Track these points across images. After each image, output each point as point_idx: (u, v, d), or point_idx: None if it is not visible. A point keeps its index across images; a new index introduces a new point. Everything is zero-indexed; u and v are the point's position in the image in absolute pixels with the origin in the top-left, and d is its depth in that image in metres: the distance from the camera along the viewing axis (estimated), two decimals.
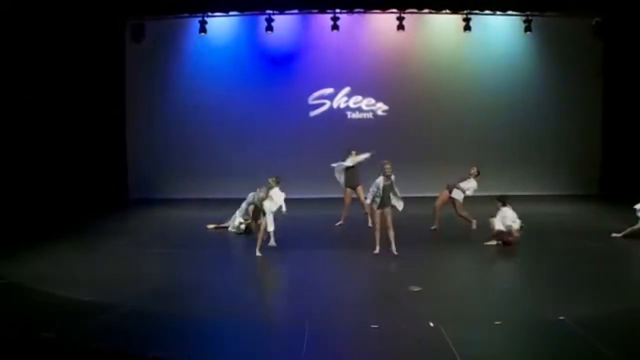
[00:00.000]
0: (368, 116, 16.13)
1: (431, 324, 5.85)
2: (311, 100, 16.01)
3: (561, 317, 5.96)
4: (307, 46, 15.96)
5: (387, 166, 9.37)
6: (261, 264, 9.03)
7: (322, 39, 15.79)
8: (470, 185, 11.14)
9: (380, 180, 9.29)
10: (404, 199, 14.62)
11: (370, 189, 9.39)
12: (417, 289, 7.17)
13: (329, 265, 8.82)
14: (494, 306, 6.59)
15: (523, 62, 16.13)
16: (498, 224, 9.58)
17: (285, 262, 9.18)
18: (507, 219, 9.60)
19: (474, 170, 11.35)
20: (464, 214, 11.11)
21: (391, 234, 9.11)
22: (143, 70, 15.38)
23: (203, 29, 14.73)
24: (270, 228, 9.17)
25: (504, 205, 9.80)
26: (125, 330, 6.15)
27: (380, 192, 9.21)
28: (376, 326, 5.84)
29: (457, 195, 11.11)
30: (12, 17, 11.82)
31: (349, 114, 16.10)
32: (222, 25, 15.53)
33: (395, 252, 9.01)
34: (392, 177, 9.37)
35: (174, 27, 15.57)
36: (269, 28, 14.76)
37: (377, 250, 9.12)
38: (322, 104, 16.04)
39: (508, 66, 16.05)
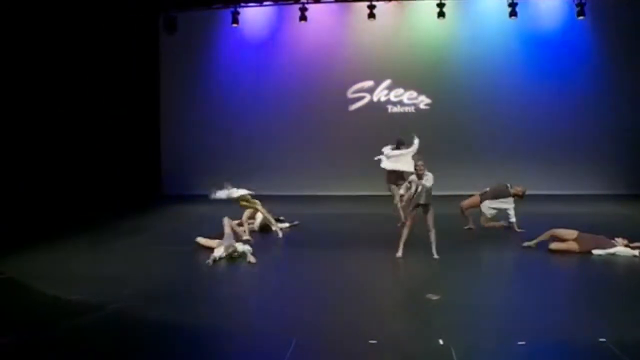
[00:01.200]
0: (410, 110, 15.10)
1: (440, 342, 4.87)
2: (350, 94, 15.14)
3: (602, 339, 4.85)
4: (345, 36, 15.08)
5: (419, 163, 8.22)
6: (269, 265, 8.23)
7: (359, 29, 14.88)
8: (505, 206, 9.71)
9: (413, 179, 8.22)
10: (446, 197, 14.01)
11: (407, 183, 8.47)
12: (435, 297, 6.16)
13: (347, 267, 7.87)
14: (521, 321, 5.48)
15: (576, 52, 14.62)
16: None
17: (302, 261, 8.33)
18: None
19: (519, 189, 9.75)
20: (489, 224, 9.80)
21: (432, 235, 8.04)
22: (177, 64, 14.95)
23: (235, 20, 14.10)
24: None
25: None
26: (103, 333, 5.51)
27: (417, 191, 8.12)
28: (374, 341, 4.91)
29: (486, 210, 9.81)
30: (47, 12, 11.53)
31: (390, 108, 15.12)
32: (255, 16, 14.87)
33: (436, 256, 7.96)
34: (429, 175, 8.14)
35: (206, 19, 14.99)
36: (303, 18, 13.96)
37: (399, 254, 8.01)
38: (362, 98, 15.15)
39: (559, 55, 14.61)
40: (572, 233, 8.10)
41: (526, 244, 8.47)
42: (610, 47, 14.40)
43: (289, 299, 6.48)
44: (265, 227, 10.19)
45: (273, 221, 10.08)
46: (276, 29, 15.07)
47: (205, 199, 14.33)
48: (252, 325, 5.66)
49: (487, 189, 9.98)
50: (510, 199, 9.71)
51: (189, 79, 15.02)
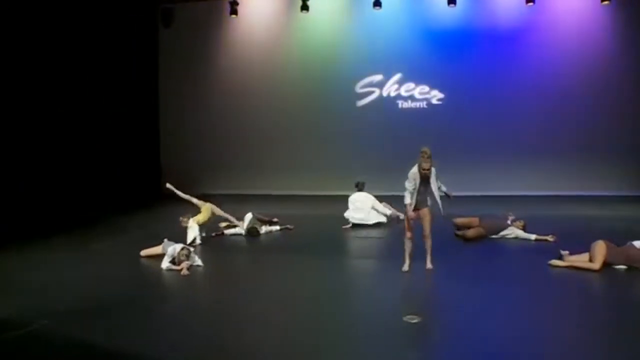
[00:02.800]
0: (421, 105, 13.94)
1: None
2: (359, 89, 14.04)
3: None
4: (352, 27, 13.95)
5: (425, 150, 6.44)
6: (232, 274, 7.21)
7: (367, 19, 13.75)
8: (508, 233, 8.61)
9: (415, 172, 6.57)
10: (459, 199, 12.82)
11: (406, 184, 6.65)
12: (415, 319, 5.05)
13: (322, 278, 6.77)
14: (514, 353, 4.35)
15: (600, 41, 13.22)
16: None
17: (271, 271, 7.27)
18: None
19: (518, 224, 8.67)
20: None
21: (428, 243, 6.75)
22: (176, 59, 14.09)
23: (234, 11, 13.12)
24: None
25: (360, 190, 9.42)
26: (13, 355, 4.60)
27: (416, 187, 6.55)
28: None
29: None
30: (43, 7, 10.77)
31: (400, 103, 13.98)
32: (255, 8, 13.87)
33: (430, 266, 6.75)
34: (432, 169, 6.57)
35: (205, 11, 14.01)
36: (305, 7, 12.90)
37: (406, 267, 6.70)
38: (371, 93, 14.02)
39: (581, 46, 13.26)
40: (474, 219, 8.64)
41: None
42: (638, 37, 12.94)
43: (245, 317, 5.44)
44: (252, 231, 9.17)
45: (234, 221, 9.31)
46: (278, 20, 14.03)
47: (205, 198, 13.59)
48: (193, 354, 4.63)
49: (486, 220, 8.76)
50: (511, 228, 8.64)
51: (189, 75, 14.14)
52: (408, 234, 6.78)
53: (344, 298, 5.99)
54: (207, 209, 8.98)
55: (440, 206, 6.72)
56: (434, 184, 6.68)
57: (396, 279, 6.60)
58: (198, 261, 7.32)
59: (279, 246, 8.60)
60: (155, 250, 7.65)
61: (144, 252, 7.77)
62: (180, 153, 14.22)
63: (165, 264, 7.14)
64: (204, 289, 6.57)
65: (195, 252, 7.51)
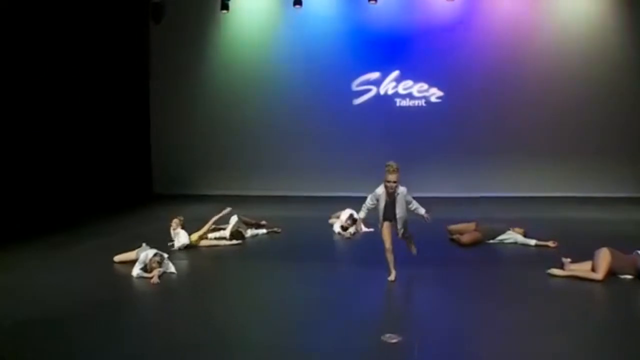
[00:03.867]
0: (420, 104, 13.25)
1: None
2: (355, 87, 13.38)
3: None
4: (347, 23, 13.26)
5: (390, 168, 5.92)
6: (215, 281, 6.65)
7: (363, 14, 13.11)
8: (507, 237, 8.01)
9: (380, 193, 6.09)
10: (458, 200, 12.28)
11: (367, 199, 6.21)
12: (394, 339, 4.46)
13: (296, 289, 6.18)
14: None
15: (607, 39, 12.54)
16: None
17: (246, 280, 6.70)
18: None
19: (519, 230, 8.07)
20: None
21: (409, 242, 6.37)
22: (167, 55, 13.40)
23: (225, 6, 12.55)
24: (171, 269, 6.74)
25: None
26: None
27: (381, 206, 6.11)
28: None
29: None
30: (27, 2, 10.23)
31: (398, 101, 13.30)
32: (246, 2, 13.24)
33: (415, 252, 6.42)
34: (401, 189, 6.02)
35: (197, 7, 13.35)
36: (298, 2, 12.31)
37: (392, 277, 6.15)
38: (367, 91, 13.36)
39: (589, 43, 12.60)
40: (470, 225, 8.10)
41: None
42: None
43: (210, 330, 4.87)
44: (236, 234, 8.59)
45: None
46: (271, 16, 13.40)
47: (198, 198, 13.18)
48: None
49: (483, 225, 8.16)
50: (509, 232, 8.03)
51: (181, 72, 13.53)
52: (386, 245, 6.21)
53: (320, 312, 5.41)
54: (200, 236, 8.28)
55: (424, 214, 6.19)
56: (400, 207, 6.06)
57: (381, 290, 6.04)
58: (171, 268, 6.77)
59: (262, 251, 8.04)
60: (129, 255, 7.10)
61: (117, 258, 7.22)
62: (171, 153, 13.64)
63: (136, 270, 6.59)
64: (172, 298, 6.00)
65: (170, 258, 6.96)
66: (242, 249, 8.09)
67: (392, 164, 5.94)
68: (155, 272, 6.48)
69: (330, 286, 6.20)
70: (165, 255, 6.87)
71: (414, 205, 6.15)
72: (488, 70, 12.87)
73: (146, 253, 6.73)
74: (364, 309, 5.42)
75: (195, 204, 12.07)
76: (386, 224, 6.18)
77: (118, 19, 12.35)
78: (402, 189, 6.06)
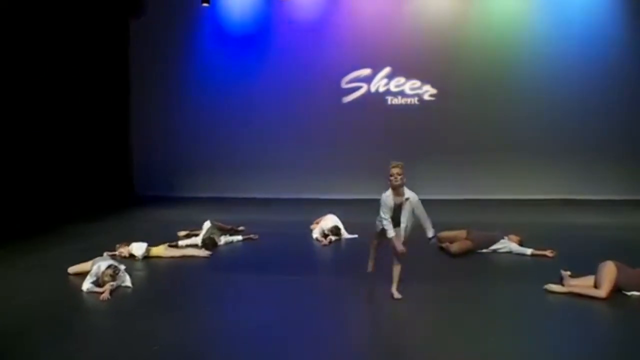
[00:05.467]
0: (412, 102, 12.54)
1: None
2: (344, 84, 12.64)
3: None
4: (338, 17, 12.53)
5: (395, 171, 5.27)
6: (176, 296, 5.87)
7: (355, 9, 12.38)
8: (500, 247, 7.24)
9: (388, 196, 5.35)
10: (454, 203, 11.52)
11: (380, 212, 5.37)
12: None
13: (285, 309, 5.45)
14: None
15: (609, 34, 11.80)
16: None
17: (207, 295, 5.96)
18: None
19: (515, 238, 7.32)
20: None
21: (397, 269, 5.41)
22: (148, 52, 12.69)
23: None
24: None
25: None
26: None
27: (389, 213, 5.32)
28: None
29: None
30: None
31: (390, 99, 12.58)
32: None
33: (397, 295, 5.38)
34: (411, 196, 5.32)
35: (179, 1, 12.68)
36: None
37: (370, 268, 5.85)
38: (358, 88, 12.63)
39: (588, 38, 11.85)
40: (461, 233, 7.38)
41: None
42: None
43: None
44: (208, 242, 7.83)
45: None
46: (257, 9, 12.64)
47: (180, 201, 12.47)
48: None
49: (475, 232, 7.37)
50: (504, 241, 7.26)
51: (163, 69, 12.78)
52: (374, 242, 5.78)
53: (293, 335, 4.65)
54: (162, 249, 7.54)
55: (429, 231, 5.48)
56: (406, 216, 5.34)
57: (362, 307, 5.32)
58: (127, 282, 6.03)
59: (233, 262, 7.28)
60: (85, 266, 6.33)
61: (72, 269, 6.47)
62: (153, 153, 12.93)
63: (86, 284, 5.85)
64: (118, 316, 5.24)
65: (129, 270, 6.21)
66: (211, 259, 7.32)
67: (397, 163, 5.35)
68: (107, 287, 5.74)
69: (304, 305, 5.44)
70: (122, 267, 6.14)
71: (423, 218, 5.39)
72: (484, 66, 12.14)
73: (99, 265, 5.99)
74: (343, 329, 4.68)
75: (177, 207, 11.53)
76: (401, 247, 5.33)
77: (96, 15, 11.64)
78: (412, 196, 5.34)
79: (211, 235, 7.91)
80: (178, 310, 5.35)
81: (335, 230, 8.13)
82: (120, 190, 12.47)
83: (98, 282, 5.87)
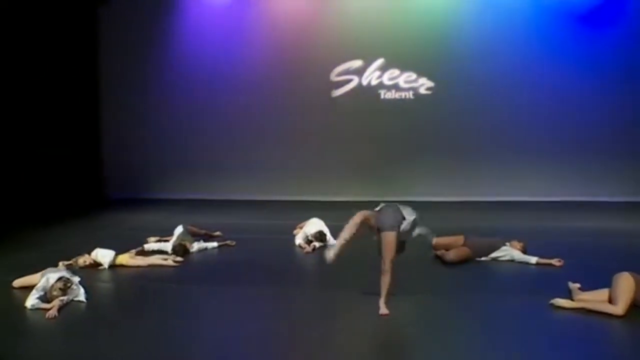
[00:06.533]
0: (407, 96, 12.23)
1: None
2: (334, 77, 12.31)
3: None
4: (326, 4, 12.24)
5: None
6: (134, 311, 5.43)
7: None
8: (502, 254, 6.84)
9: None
10: (450, 206, 11.16)
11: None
12: None
13: (255, 330, 5.03)
14: None
15: (615, 28, 11.51)
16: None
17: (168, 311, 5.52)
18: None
19: (518, 245, 6.88)
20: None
21: (385, 281, 4.99)
22: (119, 42, 12.33)
23: None
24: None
25: None
26: None
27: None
28: None
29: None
30: None
31: (383, 93, 12.28)
32: None
33: (383, 310, 4.94)
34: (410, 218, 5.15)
35: None
36: None
37: (383, 310, 5.00)
38: (348, 81, 12.31)
39: (592, 30, 11.59)
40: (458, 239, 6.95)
41: None
42: None
43: None
44: (179, 249, 7.39)
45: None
46: None
47: (155, 203, 12.06)
48: None
49: (473, 238, 6.98)
50: (505, 248, 6.86)
51: (135, 61, 12.39)
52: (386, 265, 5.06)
53: (268, 355, 4.22)
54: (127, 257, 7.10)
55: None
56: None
57: (344, 326, 4.86)
58: (81, 296, 5.55)
59: (205, 272, 6.84)
60: (32, 279, 5.84)
61: (17, 282, 5.98)
62: (126, 152, 12.54)
63: (31, 300, 5.36)
64: (68, 338, 4.78)
65: (83, 282, 5.74)
66: (181, 268, 6.88)
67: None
68: (56, 303, 5.27)
69: (281, 321, 5.01)
70: (76, 279, 5.67)
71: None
72: (484, 58, 11.79)
73: (47, 277, 5.52)
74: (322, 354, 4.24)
75: (151, 210, 11.14)
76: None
77: (61, 4, 11.26)
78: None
79: (182, 242, 7.47)
80: (137, 329, 4.90)
81: (319, 236, 7.71)
82: (87, 192, 12.12)
83: (46, 297, 5.41)
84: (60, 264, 6.49)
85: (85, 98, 12.27)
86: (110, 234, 8.87)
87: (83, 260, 6.78)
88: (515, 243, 6.94)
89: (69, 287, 5.49)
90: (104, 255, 6.83)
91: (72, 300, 5.47)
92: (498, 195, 11.62)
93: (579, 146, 11.61)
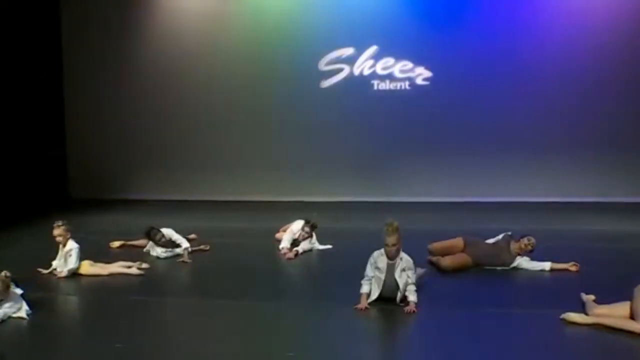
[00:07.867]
0: (403, 86, 11.97)
1: None
2: (323, 66, 12.03)
3: None
4: None
5: (390, 228, 5.16)
6: (83, 326, 5.11)
7: None
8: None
9: (377, 256, 5.31)
10: (449, 206, 10.94)
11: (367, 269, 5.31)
12: None
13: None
14: None
15: (624, 19, 11.23)
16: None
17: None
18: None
19: (526, 243, 6.52)
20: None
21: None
22: (85, 32, 12.15)
23: None
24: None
25: None
26: None
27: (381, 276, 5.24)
28: None
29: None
30: None
31: (376, 84, 12.02)
32: None
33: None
34: (405, 259, 5.25)
35: None
36: None
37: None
38: (339, 70, 12.02)
39: (601, 20, 11.27)
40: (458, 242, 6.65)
41: None
42: None
43: None
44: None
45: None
46: None
47: (123, 204, 11.70)
48: None
49: (475, 243, 6.66)
50: (515, 255, 6.54)
51: (100, 57, 12.18)
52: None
53: None
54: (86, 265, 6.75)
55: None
56: (398, 278, 5.21)
57: (328, 347, 4.48)
58: (23, 311, 5.13)
59: (172, 281, 6.53)
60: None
61: None
62: (94, 150, 12.33)
63: None
64: None
65: (27, 295, 5.32)
66: (146, 277, 6.50)
67: (392, 223, 5.21)
68: None
69: (257, 339, 4.68)
70: (18, 292, 5.27)
71: (411, 282, 5.24)
72: (486, 46, 11.50)
73: None
74: None
75: (119, 212, 10.92)
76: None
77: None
78: (407, 259, 5.28)
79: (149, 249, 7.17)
80: (88, 349, 4.50)
81: (310, 230, 7.57)
82: (50, 193, 11.89)
83: None
84: (4, 273, 6.08)
85: (49, 96, 12.18)
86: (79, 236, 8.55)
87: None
88: (516, 245, 6.55)
89: (7, 288, 5.08)
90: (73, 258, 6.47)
91: (10, 316, 5.06)
92: (502, 195, 11.40)
93: (595, 141, 11.36)
